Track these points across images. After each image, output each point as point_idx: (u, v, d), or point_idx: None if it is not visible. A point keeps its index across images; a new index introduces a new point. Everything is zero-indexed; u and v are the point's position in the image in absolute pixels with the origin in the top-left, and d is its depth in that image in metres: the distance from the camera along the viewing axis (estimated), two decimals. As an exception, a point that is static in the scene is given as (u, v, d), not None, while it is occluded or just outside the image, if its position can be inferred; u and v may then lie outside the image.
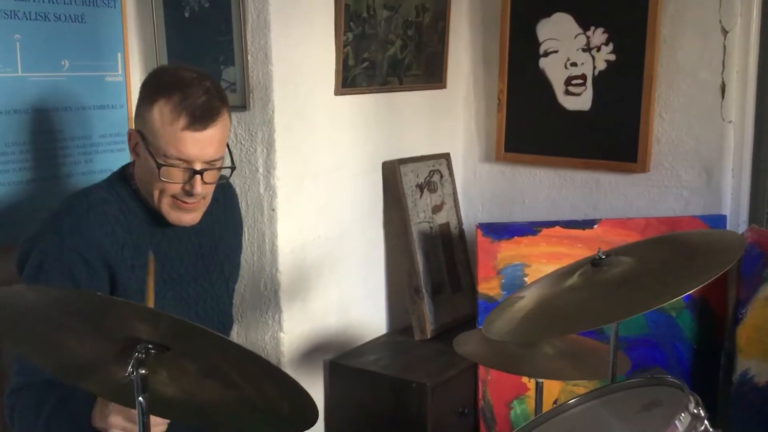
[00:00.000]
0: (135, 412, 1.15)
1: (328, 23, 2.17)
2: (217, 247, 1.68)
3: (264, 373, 1.10)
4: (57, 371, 1.23)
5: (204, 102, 1.44)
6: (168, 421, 1.31)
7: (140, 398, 1.08)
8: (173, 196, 1.49)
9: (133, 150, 1.52)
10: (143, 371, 1.08)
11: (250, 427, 1.23)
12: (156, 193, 1.50)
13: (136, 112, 1.52)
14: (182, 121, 1.43)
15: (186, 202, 1.50)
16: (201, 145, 1.45)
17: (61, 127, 2.05)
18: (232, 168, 1.57)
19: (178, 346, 1.08)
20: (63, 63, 2.04)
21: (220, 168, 1.52)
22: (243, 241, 2.11)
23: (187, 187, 1.47)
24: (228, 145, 1.55)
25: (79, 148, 2.10)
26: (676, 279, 1.39)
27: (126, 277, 1.50)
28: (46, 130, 2.02)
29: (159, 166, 1.45)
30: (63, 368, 1.21)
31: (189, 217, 1.53)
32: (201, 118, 1.44)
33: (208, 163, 1.48)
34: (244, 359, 1.08)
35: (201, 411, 1.20)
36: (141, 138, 1.48)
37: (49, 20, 2.00)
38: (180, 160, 1.45)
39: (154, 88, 1.47)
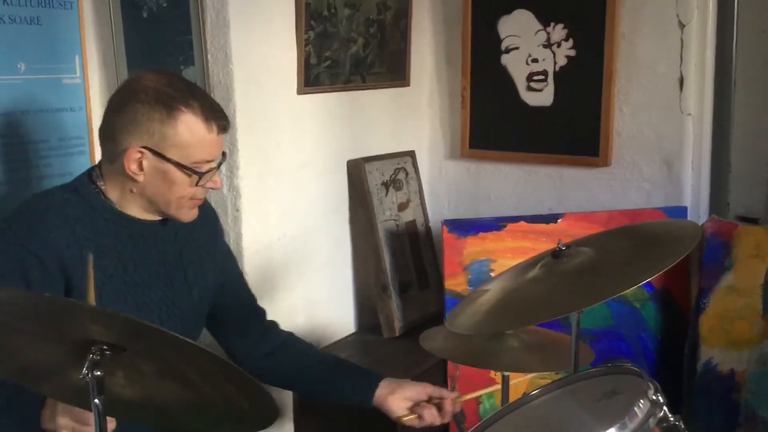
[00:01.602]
0: (82, 411, 1.14)
1: (288, 22, 2.16)
2: (182, 253, 1.66)
3: (221, 371, 1.10)
4: (12, 376, 1.21)
5: (215, 102, 1.52)
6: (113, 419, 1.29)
7: (96, 400, 1.07)
8: (193, 196, 1.54)
9: (138, 168, 1.48)
10: (98, 373, 1.06)
11: (211, 426, 1.22)
12: (176, 201, 1.52)
13: (135, 131, 1.46)
14: (215, 127, 1.49)
15: (202, 197, 1.57)
16: (221, 142, 1.53)
17: (19, 130, 2.02)
18: (224, 154, 1.60)
19: (134, 346, 1.07)
20: (19, 66, 2.01)
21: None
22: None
23: (211, 184, 1.54)
24: None
25: (37, 152, 2.07)
26: (634, 268, 1.40)
27: (82, 278, 1.47)
28: (3, 134, 1.99)
29: (199, 175, 1.49)
30: (18, 372, 1.19)
31: (197, 210, 1.58)
32: (225, 117, 1.52)
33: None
34: (200, 358, 1.07)
35: (160, 411, 1.19)
36: (154, 154, 1.46)
37: (4, 23, 1.96)
38: (209, 162, 1.51)
39: (164, 102, 1.45)
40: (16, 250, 1.43)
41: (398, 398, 1.72)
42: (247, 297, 1.85)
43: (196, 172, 1.49)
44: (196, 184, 1.50)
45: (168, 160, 1.47)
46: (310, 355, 1.87)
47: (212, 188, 1.56)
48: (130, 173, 1.48)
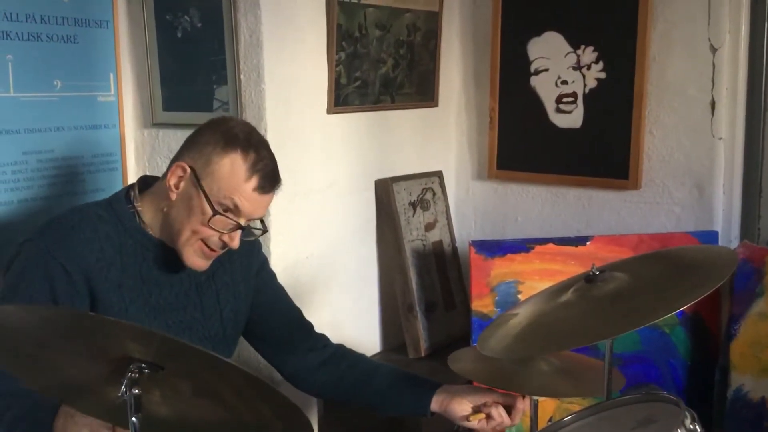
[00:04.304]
0: (101, 424, 1.17)
1: (320, 43, 2.18)
2: (214, 275, 1.67)
3: (257, 391, 1.10)
4: (48, 392, 1.22)
5: (274, 168, 1.54)
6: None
7: (133, 418, 1.08)
8: (204, 242, 1.52)
9: (176, 184, 1.51)
10: (136, 391, 1.07)
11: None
12: (186, 233, 1.51)
13: (192, 149, 1.52)
14: (254, 182, 1.50)
15: (213, 251, 1.54)
16: (258, 206, 1.53)
17: (54, 146, 2.05)
18: (264, 230, 1.62)
19: (172, 365, 1.07)
20: (55, 83, 2.04)
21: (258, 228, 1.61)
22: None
23: (226, 239, 1.52)
24: None
25: (71, 168, 2.10)
26: (670, 295, 1.39)
27: (108, 296, 1.49)
28: (39, 150, 2.02)
29: (214, 213, 1.48)
30: (54, 389, 1.20)
31: (205, 264, 1.57)
32: (270, 183, 1.53)
33: (250, 221, 1.55)
34: (236, 378, 1.07)
35: (194, 430, 1.19)
36: (194, 175, 1.49)
37: (42, 41, 2.00)
38: (232, 212, 1.50)
39: (227, 138, 1.50)
40: (45, 260, 1.46)
41: (462, 401, 1.69)
42: (290, 311, 1.85)
43: (213, 209, 1.48)
44: (208, 222, 1.48)
45: (199, 185, 1.49)
46: (364, 364, 1.83)
47: (226, 243, 1.52)
48: (168, 186, 1.51)
